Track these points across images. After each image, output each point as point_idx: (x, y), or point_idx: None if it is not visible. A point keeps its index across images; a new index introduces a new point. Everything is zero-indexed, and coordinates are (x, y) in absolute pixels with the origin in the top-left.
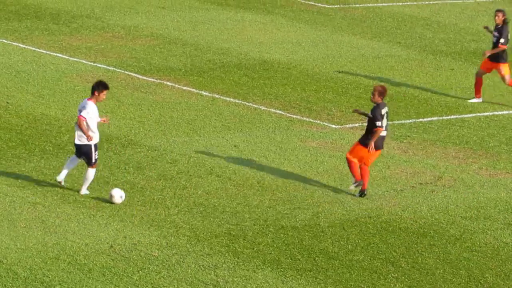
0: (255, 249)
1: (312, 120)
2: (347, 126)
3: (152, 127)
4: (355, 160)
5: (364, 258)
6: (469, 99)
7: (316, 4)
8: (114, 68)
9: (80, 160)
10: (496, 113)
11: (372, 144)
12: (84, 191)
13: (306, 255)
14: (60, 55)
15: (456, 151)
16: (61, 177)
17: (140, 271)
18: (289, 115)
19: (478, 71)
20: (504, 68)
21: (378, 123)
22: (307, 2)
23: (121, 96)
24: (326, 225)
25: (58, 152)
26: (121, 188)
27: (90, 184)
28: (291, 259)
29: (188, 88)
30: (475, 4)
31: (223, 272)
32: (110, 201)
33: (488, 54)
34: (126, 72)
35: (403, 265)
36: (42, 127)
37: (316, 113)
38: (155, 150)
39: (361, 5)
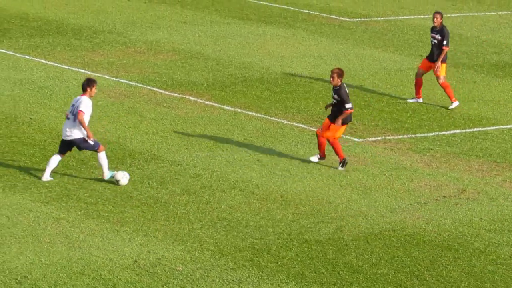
0: (279, 263)
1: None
2: (370, 139)
3: (175, 141)
4: (324, 139)
5: (388, 272)
6: (411, 98)
7: (338, 17)
8: (136, 83)
9: (61, 158)
10: None
11: (340, 121)
12: (107, 174)
13: (330, 268)
14: (82, 71)
15: (479, 163)
16: (46, 177)
17: (164, 286)
18: (311, 128)
19: (418, 71)
20: (442, 68)
21: (348, 105)
22: (328, 15)
23: (143, 111)
24: (350, 238)
25: (81, 167)
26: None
27: (107, 166)
28: (315, 273)
29: (211, 103)
30: (497, 16)
31: (247, 286)
32: (118, 184)
33: (439, 63)
34: (148, 87)
35: (427, 278)
36: None
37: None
38: (178, 164)
39: (382, 18)
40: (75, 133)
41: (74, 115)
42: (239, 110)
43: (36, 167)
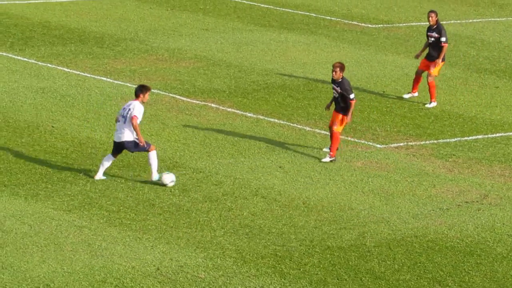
0: (301, 269)
1: (357, 140)
2: (392, 145)
3: (197, 149)
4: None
5: (410, 278)
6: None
7: (360, 24)
8: (158, 91)
9: (115, 159)
10: None
11: (351, 115)
12: (155, 175)
13: (353, 275)
14: (105, 79)
15: (501, 169)
16: (99, 176)
17: None
18: None
19: (417, 71)
20: (438, 67)
21: (352, 96)
22: (350, 22)
23: (165, 119)
24: (372, 245)
25: (104, 175)
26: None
27: (157, 167)
28: (337, 279)
29: (233, 110)
30: None
31: None
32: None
33: (440, 60)
34: (171, 95)
35: (450, 284)
36: (88, 150)
37: (361, 133)
38: (200, 172)
39: (404, 24)
40: (126, 136)
41: (125, 118)
42: (261, 117)
43: (58, 175)
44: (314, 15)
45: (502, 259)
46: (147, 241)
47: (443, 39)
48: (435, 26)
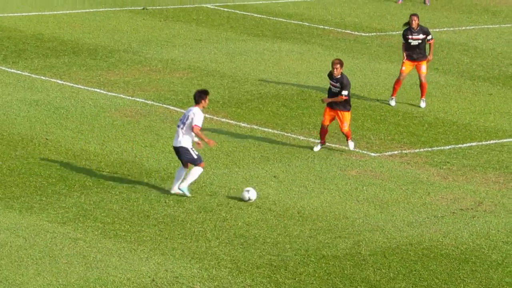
0: (296, 279)
1: (351, 149)
2: (386, 153)
3: None
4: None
5: (406, 286)
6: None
7: (353, 32)
8: (152, 102)
9: (186, 169)
10: None
11: (328, 100)
12: (184, 186)
13: (348, 284)
14: (98, 90)
15: (496, 176)
16: (174, 189)
17: None
18: (328, 144)
19: (402, 75)
20: (426, 65)
21: (345, 93)
22: (343, 30)
23: (159, 130)
24: (368, 253)
25: (98, 187)
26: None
27: (192, 183)
28: None
29: (227, 120)
30: None
31: None
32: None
33: (431, 56)
34: (164, 106)
35: None
36: (82, 162)
37: (355, 142)
38: (195, 182)
39: (397, 32)
40: (183, 142)
41: (184, 124)
42: (255, 127)
43: (53, 188)
44: (307, 24)
45: (497, 266)
46: (142, 252)
47: (430, 36)
48: (418, 28)
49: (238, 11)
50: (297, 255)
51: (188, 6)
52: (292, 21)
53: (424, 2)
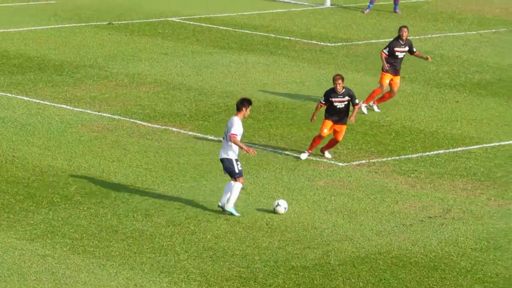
0: None
1: (318, 159)
2: (354, 163)
3: (159, 173)
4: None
5: None
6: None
7: (319, 43)
8: (119, 117)
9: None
10: (502, 143)
11: (354, 118)
12: (231, 207)
13: None
14: (65, 106)
15: (464, 183)
16: (223, 201)
17: None
18: (295, 155)
19: (385, 86)
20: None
21: (357, 101)
22: (309, 41)
23: (127, 144)
24: (337, 263)
25: (66, 203)
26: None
27: (236, 201)
28: None
29: (194, 133)
30: (477, 35)
31: None
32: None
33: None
34: (131, 120)
35: None
36: (49, 178)
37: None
38: (163, 196)
39: (363, 41)
40: (227, 154)
41: (226, 135)
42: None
43: (20, 205)
44: (273, 35)
45: (466, 273)
46: (111, 267)
47: (414, 49)
48: (405, 41)
49: (204, 24)
50: (266, 267)
51: (153, 20)
52: (258, 33)
53: (395, 11)
